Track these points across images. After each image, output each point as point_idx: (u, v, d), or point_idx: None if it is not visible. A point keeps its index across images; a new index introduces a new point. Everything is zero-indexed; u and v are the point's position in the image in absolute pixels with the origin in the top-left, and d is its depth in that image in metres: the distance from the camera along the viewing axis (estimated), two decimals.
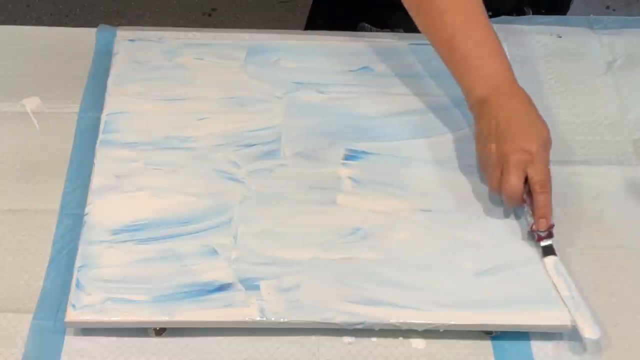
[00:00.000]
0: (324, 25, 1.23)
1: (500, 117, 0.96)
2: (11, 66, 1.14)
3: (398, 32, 1.19)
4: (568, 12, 1.35)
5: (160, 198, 0.97)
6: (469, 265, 0.93)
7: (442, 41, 1.01)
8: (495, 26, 1.21)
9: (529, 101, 0.98)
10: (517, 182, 0.93)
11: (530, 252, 0.95)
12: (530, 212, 0.95)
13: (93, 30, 1.18)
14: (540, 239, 0.94)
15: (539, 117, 0.97)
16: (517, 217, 0.98)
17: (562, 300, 0.90)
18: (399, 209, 0.98)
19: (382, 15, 1.06)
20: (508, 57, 1.02)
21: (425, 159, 1.03)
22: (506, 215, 0.98)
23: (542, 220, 0.94)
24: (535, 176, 0.93)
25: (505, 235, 0.96)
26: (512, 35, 1.20)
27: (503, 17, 1.23)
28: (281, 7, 2.41)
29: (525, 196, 0.95)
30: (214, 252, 0.93)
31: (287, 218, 0.96)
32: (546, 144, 0.96)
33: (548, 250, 0.94)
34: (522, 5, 1.24)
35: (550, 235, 0.94)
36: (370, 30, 1.24)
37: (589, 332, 0.88)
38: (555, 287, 0.91)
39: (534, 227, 0.94)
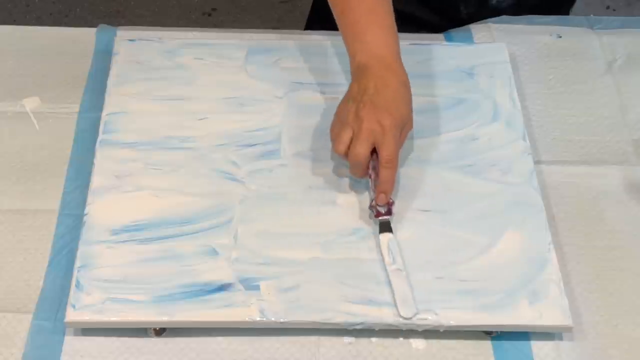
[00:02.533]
0: (322, 29, 1.24)
1: (370, 85, 0.95)
2: (11, 66, 1.14)
3: None
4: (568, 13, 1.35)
5: (160, 198, 0.97)
6: (468, 266, 0.93)
7: (338, 6, 1.02)
8: (495, 26, 1.21)
9: (404, 80, 0.97)
10: (363, 150, 0.93)
11: (531, 252, 0.95)
12: (373, 187, 0.96)
13: (93, 30, 1.18)
14: (379, 214, 0.95)
15: (406, 98, 0.97)
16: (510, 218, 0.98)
17: (387, 276, 0.91)
18: (399, 209, 0.98)
19: None
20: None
21: (425, 159, 1.03)
22: (506, 214, 0.98)
23: (382, 195, 0.94)
24: (383, 151, 0.93)
25: (505, 235, 0.96)
26: (512, 35, 1.20)
27: (503, 17, 1.23)
28: (281, 7, 2.41)
29: (371, 171, 0.96)
30: (214, 252, 0.93)
31: (287, 218, 0.96)
32: (403, 123, 0.95)
33: (385, 227, 0.94)
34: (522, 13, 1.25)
35: (389, 213, 0.95)
36: None
37: (404, 310, 0.88)
38: (384, 262, 0.92)
39: (373, 202, 0.95)
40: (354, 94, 0.96)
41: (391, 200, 0.95)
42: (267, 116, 1.06)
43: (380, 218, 0.95)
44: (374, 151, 0.94)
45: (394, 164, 0.94)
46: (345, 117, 0.95)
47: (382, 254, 0.93)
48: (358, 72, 0.98)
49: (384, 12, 1.00)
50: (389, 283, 0.90)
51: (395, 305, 0.89)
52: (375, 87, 0.95)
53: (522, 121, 1.07)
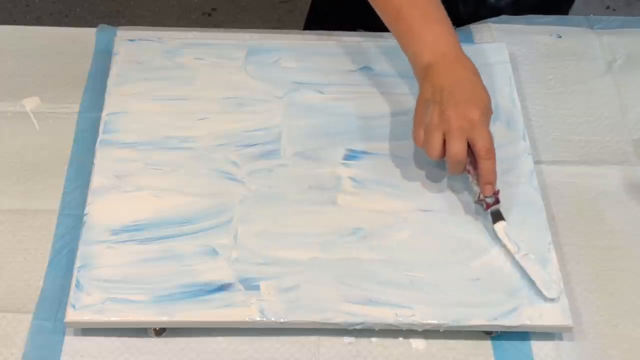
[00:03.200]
0: (321, 29, 1.24)
1: (444, 83, 0.96)
2: (11, 66, 1.14)
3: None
4: (568, 12, 1.35)
5: (160, 198, 0.97)
6: (469, 265, 0.93)
7: (390, 14, 1.02)
8: (495, 26, 1.21)
9: (474, 70, 0.98)
10: (461, 147, 0.93)
11: (531, 252, 0.94)
12: (475, 181, 0.95)
13: (93, 30, 1.18)
14: (489, 206, 0.95)
15: (482, 86, 0.98)
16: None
17: (518, 262, 0.92)
18: (399, 209, 0.98)
19: (378, 22, 1.08)
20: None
21: (425, 159, 1.02)
22: (506, 214, 0.98)
23: (489, 186, 0.94)
24: (479, 142, 0.93)
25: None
26: (512, 35, 1.20)
27: (503, 17, 1.23)
28: (281, 7, 2.41)
29: (468, 167, 0.95)
30: (214, 252, 0.93)
31: (287, 218, 0.96)
32: (487, 112, 0.96)
33: (497, 216, 0.94)
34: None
35: (497, 202, 0.95)
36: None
37: (548, 292, 0.89)
38: (509, 250, 0.93)
39: (480, 195, 0.95)
40: (430, 96, 0.96)
41: (497, 190, 0.95)
42: (267, 116, 1.06)
43: (490, 209, 0.95)
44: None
45: (493, 154, 0.94)
46: (430, 121, 0.95)
47: (504, 244, 0.93)
48: (427, 72, 0.98)
49: (436, 9, 1.01)
50: (523, 270, 0.91)
51: (539, 287, 0.90)
52: (450, 83, 0.95)
53: (522, 121, 1.07)
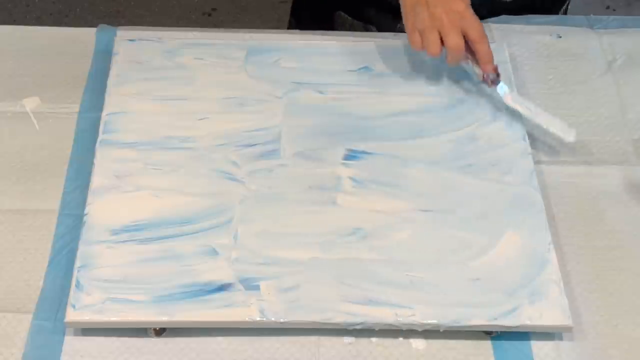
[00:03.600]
0: (304, 16, 1.29)
1: None
2: (11, 66, 1.14)
3: (371, 28, 1.24)
4: (568, 12, 1.35)
5: (160, 198, 0.97)
6: (469, 265, 0.93)
7: None
8: (495, 26, 1.21)
9: None
10: (458, 39, 1.02)
11: (531, 252, 0.95)
12: (475, 63, 1.05)
13: (93, 30, 1.18)
14: (493, 82, 1.05)
15: None
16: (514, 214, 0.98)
17: (533, 119, 1.03)
18: (399, 209, 0.98)
19: (357, 6, 1.17)
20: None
21: (425, 159, 1.03)
22: (506, 214, 0.98)
23: (489, 65, 1.04)
24: (470, 30, 1.02)
25: (506, 235, 0.96)
26: (512, 35, 1.20)
27: (503, 17, 1.23)
28: (281, 7, 2.41)
29: (465, 53, 1.04)
30: (214, 252, 0.93)
31: (287, 218, 0.96)
32: (469, 2, 1.03)
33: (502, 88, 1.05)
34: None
35: (498, 76, 1.05)
36: (347, 20, 1.27)
37: (567, 136, 1.01)
38: (522, 113, 1.05)
39: (484, 75, 1.05)
40: (419, 1, 1.02)
41: (496, 65, 1.05)
42: (267, 116, 1.06)
43: (496, 86, 1.05)
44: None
45: (485, 37, 1.03)
46: (422, 22, 1.02)
47: (518, 109, 1.04)
48: None
49: None
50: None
51: (560, 135, 1.02)
52: None
53: (522, 121, 1.07)
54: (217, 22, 2.38)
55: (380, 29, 1.24)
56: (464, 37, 1.02)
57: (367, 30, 1.26)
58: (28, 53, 1.16)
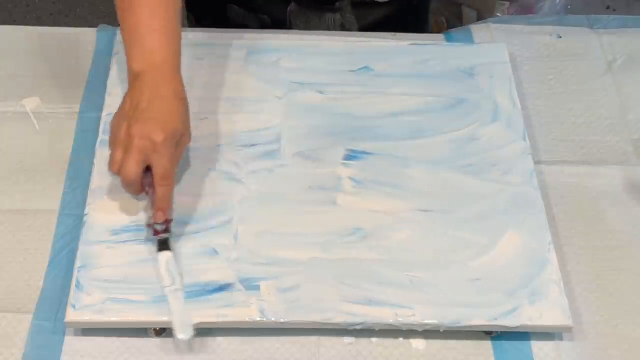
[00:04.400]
0: (194, 10, 1.28)
1: (143, 98, 0.91)
2: (11, 66, 1.14)
3: (263, 18, 1.23)
4: (567, 12, 1.35)
5: None
6: (468, 265, 0.93)
7: (120, 10, 0.97)
8: (495, 26, 1.22)
9: (179, 93, 0.93)
10: (134, 167, 0.89)
11: (531, 252, 0.95)
12: (151, 204, 0.93)
13: (93, 30, 1.18)
14: (157, 233, 0.92)
15: (181, 111, 0.93)
16: (517, 218, 0.98)
17: (166, 296, 0.88)
18: (399, 209, 0.98)
19: None
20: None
21: (425, 159, 1.03)
22: (506, 214, 0.98)
23: (160, 213, 0.91)
24: (156, 168, 0.90)
25: (506, 235, 0.96)
26: (512, 35, 1.20)
27: (503, 17, 1.23)
28: None
29: (148, 188, 0.92)
30: (214, 252, 0.93)
31: (287, 218, 0.96)
32: (177, 137, 0.91)
33: (163, 245, 0.91)
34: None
35: (167, 230, 0.92)
36: (240, 12, 1.25)
37: (180, 333, 0.86)
38: (161, 281, 0.89)
39: (151, 220, 0.92)
40: (127, 109, 0.92)
41: (169, 218, 0.92)
42: (267, 116, 1.06)
43: (158, 236, 0.92)
44: (149, 168, 0.91)
45: (169, 181, 0.91)
46: (117, 135, 0.91)
47: (160, 274, 0.90)
48: (133, 82, 0.93)
49: (167, 17, 0.95)
50: (168, 304, 0.88)
51: (172, 327, 0.86)
52: (148, 99, 0.91)
53: (522, 121, 1.07)
54: None
55: (272, 16, 1.23)
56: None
57: (259, 20, 1.24)
58: (28, 53, 1.16)
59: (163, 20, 0.95)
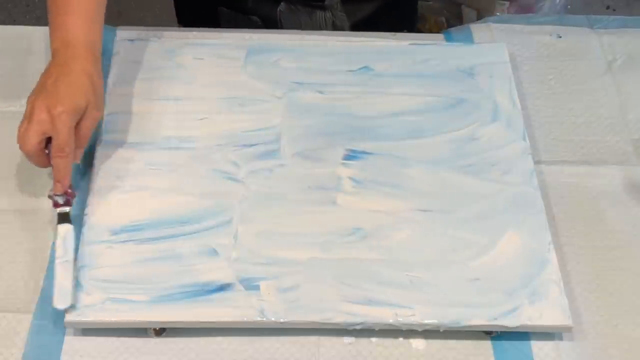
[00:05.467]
0: (186, 13, 1.29)
1: (53, 74, 0.95)
2: (11, 66, 1.14)
3: (254, 19, 1.23)
4: (567, 12, 1.35)
5: (160, 198, 0.97)
6: (468, 265, 0.93)
7: None
8: (495, 26, 1.22)
9: (87, 71, 0.96)
10: (30, 138, 0.92)
11: (531, 252, 0.95)
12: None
13: None
14: (57, 205, 0.93)
15: (85, 87, 0.95)
16: (518, 219, 0.98)
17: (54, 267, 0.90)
18: (399, 209, 0.98)
19: (238, 1, 1.13)
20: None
21: (425, 159, 1.03)
22: (506, 214, 0.98)
23: (58, 185, 0.93)
24: (53, 140, 0.92)
25: (506, 235, 0.96)
26: (512, 35, 1.20)
27: (503, 17, 1.23)
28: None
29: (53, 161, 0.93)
30: (214, 252, 0.93)
31: (287, 218, 0.96)
32: (78, 113, 0.93)
33: (63, 218, 0.93)
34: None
35: (68, 204, 0.94)
36: (230, 15, 1.26)
37: (58, 301, 0.87)
38: (55, 254, 0.91)
39: (50, 193, 0.94)
40: (39, 85, 0.95)
41: (70, 191, 0.94)
42: (267, 116, 1.06)
43: (58, 209, 0.93)
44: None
45: (65, 153, 0.92)
46: (26, 110, 0.94)
47: (55, 245, 0.91)
48: (52, 58, 0.97)
49: (88, 3, 0.99)
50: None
51: (52, 296, 0.88)
52: (56, 76, 0.94)
53: (522, 121, 1.07)
54: None
55: (263, 17, 1.23)
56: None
57: (250, 21, 1.25)
58: (28, 53, 1.16)
59: (84, 4, 0.99)
